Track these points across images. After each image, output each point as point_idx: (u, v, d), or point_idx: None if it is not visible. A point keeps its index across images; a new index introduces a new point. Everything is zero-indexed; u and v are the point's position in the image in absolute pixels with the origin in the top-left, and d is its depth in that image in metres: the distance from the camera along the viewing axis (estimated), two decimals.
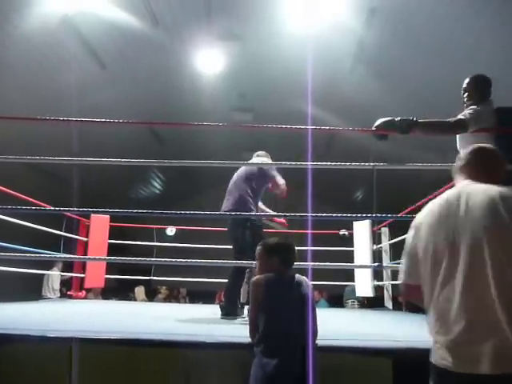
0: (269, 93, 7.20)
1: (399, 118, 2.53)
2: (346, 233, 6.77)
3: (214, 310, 3.34)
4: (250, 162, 3.54)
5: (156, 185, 11.36)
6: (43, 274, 6.42)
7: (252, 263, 2.87)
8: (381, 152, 3.58)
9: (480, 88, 2.70)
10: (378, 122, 2.59)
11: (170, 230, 10.86)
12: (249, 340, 1.83)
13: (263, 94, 7.33)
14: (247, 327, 1.84)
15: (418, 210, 1.49)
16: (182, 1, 5.45)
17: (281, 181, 3.43)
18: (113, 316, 3.33)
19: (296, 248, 2.02)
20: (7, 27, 5.05)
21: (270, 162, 3.54)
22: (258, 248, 2.00)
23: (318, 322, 1.85)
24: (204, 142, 7.50)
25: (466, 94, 2.74)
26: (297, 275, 1.91)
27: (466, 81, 2.78)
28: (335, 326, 3.01)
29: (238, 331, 1.93)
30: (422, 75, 5.79)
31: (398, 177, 6.94)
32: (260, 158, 3.58)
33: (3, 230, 4.03)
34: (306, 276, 1.92)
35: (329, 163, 2.78)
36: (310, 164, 2.82)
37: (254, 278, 1.90)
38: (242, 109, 7.71)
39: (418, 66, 5.68)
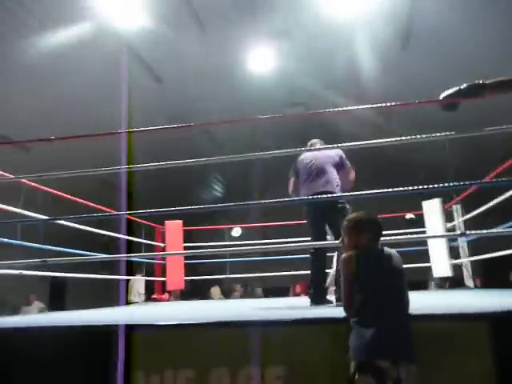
0: (319, 86, 7.23)
1: (465, 85, 2.50)
2: (413, 216, 6.64)
3: (295, 301, 3.38)
4: (321, 147, 3.50)
5: (217, 188, 11.70)
6: (128, 281, 6.87)
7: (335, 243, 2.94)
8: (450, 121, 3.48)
9: None
10: (444, 93, 2.57)
11: (236, 231, 11.16)
12: (344, 315, 1.91)
13: (314, 87, 7.37)
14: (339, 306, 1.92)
15: (499, 175, 1.50)
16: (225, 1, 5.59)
17: (353, 173, 3.51)
18: (211, 310, 3.50)
19: (379, 222, 2.02)
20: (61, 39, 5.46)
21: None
22: (346, 224, 2.06)
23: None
24: (259, 140, 7.65)
25: None
26: (385, 248, 1.96)
27: None
28: (424, 302, 3.00)
29: (332, 310, 2.02)
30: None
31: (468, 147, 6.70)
32: (337, 150, 3.53)
33: (84, 241, 4.39)
34: None
35: (399, 138, 2.74)
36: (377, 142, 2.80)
37: (346, 255, 1.97)
38: (293, 104, 7.80)
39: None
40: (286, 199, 3.50)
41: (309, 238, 3.42)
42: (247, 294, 8.34)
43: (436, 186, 2.81)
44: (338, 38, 5.82)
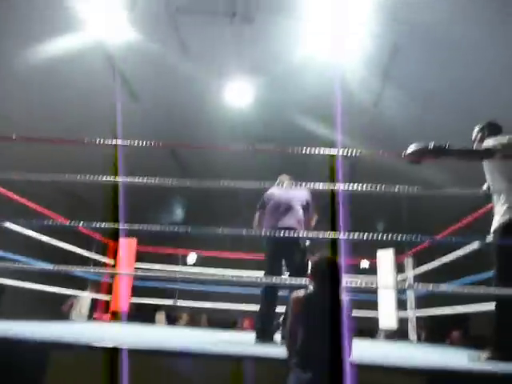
0: (294, 123, 7.40)
1: (432, 144, 2.62)
2: (366, 266, 6.77)
3: (241, 336, 3.29)
4: (291, 186, 3.57)
5: (179, 211, 11.56)
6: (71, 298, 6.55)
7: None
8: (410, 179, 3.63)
9: (494, 127, 2.92)
10: (410, 148, 2.69)
11: (191, 258, 10.94)
12: (285, 355, 1.88)
13: (287, 124, 7.53)
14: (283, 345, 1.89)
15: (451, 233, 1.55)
16: (212, 31, 5.70)
17: (314, 221, 3.59)
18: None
19: (339, 266, 2.01)
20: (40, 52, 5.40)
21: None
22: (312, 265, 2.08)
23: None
24: (227, 169, 7.69)
25: (479, 135, 2.92)
26: (337, 294, 1.96)
27: (476, 129, 3.04)
28: (367, 350, 3.01)
29: (274, 349, 1.99)
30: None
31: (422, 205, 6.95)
32: (290, 182, 3.61)
33: (35, 248, 4.19)
34: None
35: (359, 186, 2.82)
36: (340, 186, 2.87)
37: (295, 295, 1.97)
38: (266, 139, 7.92)
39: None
40: (251, 230, 3.52)
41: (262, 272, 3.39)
42: (193, 322, 8.11)
43: (390, 236, 2.91)
44: (318, 78, 6.00)
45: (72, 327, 3.84)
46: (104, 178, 2.87)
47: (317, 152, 2.93)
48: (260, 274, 3.68)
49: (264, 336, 2.97)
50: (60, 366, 1.89)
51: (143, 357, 1.94)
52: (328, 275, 1.99)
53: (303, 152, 2.92)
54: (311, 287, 2.01)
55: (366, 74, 5.80)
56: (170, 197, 10.70)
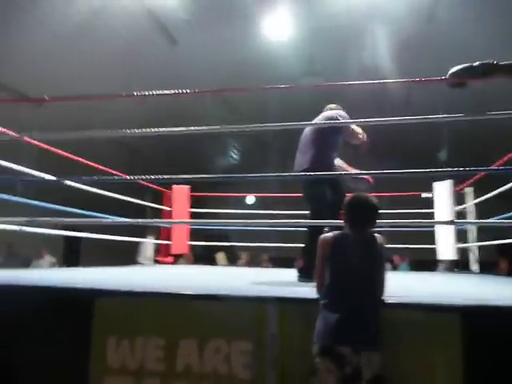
0: (339, 55, 6.97)
1: (478, 63, 2.36)
2: (429, 195, 6.46)
3: (292, 273, 3.37)
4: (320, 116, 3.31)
5: (234, 156, 11.67)
6: (137, 244, 7.03)
7: (331, 222, 2.86)
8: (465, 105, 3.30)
9: None
10: (453, 69, 2.44)
11: (250, 199, 11.16)
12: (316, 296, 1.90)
13: (333, 56, 7.12)
14: None
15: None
16: None
17: (358, 129, 3.18)
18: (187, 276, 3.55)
19: (373, 206, 1.92)
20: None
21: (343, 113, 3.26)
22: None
23: (392, 282, 1.84)
24: (276, 110, 7.52)
25: None
26: (371, 234, 1.90)
27: None
28: (409, 287, 2.96)
29: (311, 290, 2.00)
30: None
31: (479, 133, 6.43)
32: (331, 112, 3.30)
33: (95, 202, 4.45)
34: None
35: (397, 118, 2.63)
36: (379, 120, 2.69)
37: (322, 237, 1.94)
38: (312, 73, 7.57)
39: None
40: (286, 174, 3.46)
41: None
42: (253, 262, 8.44)
43: (448, 169, 2.73)
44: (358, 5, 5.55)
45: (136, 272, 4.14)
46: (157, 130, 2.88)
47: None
48: None
49: (308, 275, 2.98)
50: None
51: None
52: (361, 215, 1.93)
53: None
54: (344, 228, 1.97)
55: None
56: (225, 142, 10.80)
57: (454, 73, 2.44)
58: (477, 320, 1.77)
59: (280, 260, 8.40)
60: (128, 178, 3.17)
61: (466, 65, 2.41)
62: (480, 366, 1.74)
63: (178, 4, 5.84)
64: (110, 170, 4.56)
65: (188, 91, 2.93)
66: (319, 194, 3.06)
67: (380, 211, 1.93)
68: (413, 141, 8.08)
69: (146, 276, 3.59)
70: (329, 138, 3.17)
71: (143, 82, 6.13)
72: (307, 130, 3.29)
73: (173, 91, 2.95)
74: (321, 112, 3.41)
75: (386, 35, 5.75)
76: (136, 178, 2.88)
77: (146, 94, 2.95)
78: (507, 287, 3.07)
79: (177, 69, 6.64)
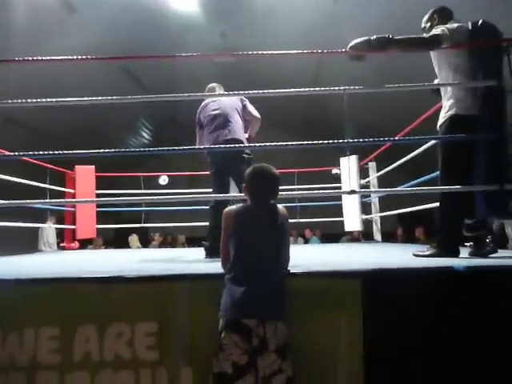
0: (250, 31, 6.92)
1: (375, 37, 2.44)
2: (339, 171, 6.75)
3: (190, 252, 3.32)
4: (224, 93, 3.31)
5: (144, 134, 11.19)
6: (37, 230, 6.49)
7: (235, 196, 2.84)
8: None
9: (445, 13, 2.67)
10: (352, 43, 2.50)
11: (163, 179, 10.81)
12: (222, 271, 1.85)
13: (245, 31, 7.03)
14: None
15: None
16: None
17: (258, 114, 3.30)
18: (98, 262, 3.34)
19: (274, 176, 1.88)
20: None
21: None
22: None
23: (299, 254, 1.85)
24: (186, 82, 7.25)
25: (429, 24, 2.71)
26: (274, 206, 1.88)
27: (425, 17, 2.81)
28: (313, 257, 3.05)
29: (217, 265, 1.95)
30: None
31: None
32: (222, 90, 3.40)
33: None
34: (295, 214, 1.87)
35: (296, 90, 2.64)
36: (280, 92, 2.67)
37: (225, 210, 1.89)
38: (224, 49, 7.44)
39: None
40: (196, 147, 3.37)
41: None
42: (168, 243, 8.26)
43: (351, 140, 2.82)
44: None
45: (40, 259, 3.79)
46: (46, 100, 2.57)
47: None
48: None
49: (213, 251, 2.96)
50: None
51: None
52: (261, 187, 1.89)
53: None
54: (246, 200, 1.93)
55: None
56: (134, 119, 10.29)
57: (353, 46, 2.51)
58: (374, 283, 1.85)
59: (198, 240, 8.30)
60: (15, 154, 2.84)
61: (364, 38, 2.48)
62: (377, 324, 1.82)
63: None
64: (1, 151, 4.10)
65: (82, 58, 2.66)
66: (239, 168, 3.02)
67: (280, 182, 1.92)
68: (323, 121, 8.35)
69: (39, 263, 3.29)
70: (242, 117, 3.26)
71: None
72: (224, 102, 3.26)
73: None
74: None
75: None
76: (20, 154, 2.58)
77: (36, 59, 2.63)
78: (400, 253, 3.30)
79: (74, 37, 6.10)
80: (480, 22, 2.48)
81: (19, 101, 2.51)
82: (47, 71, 5.63)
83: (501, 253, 2.64)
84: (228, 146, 2.99)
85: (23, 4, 5.52)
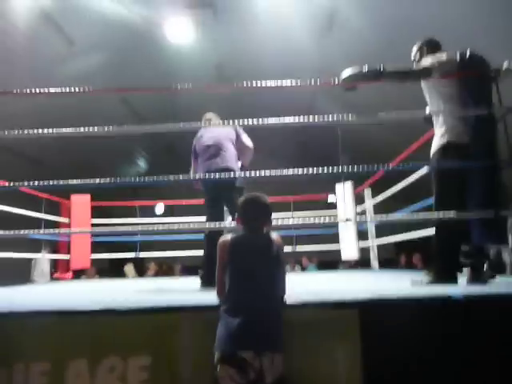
0: (246, 63, 7.04)
1: (366, 68, 2.50)
2: (334, 200, 6.75)
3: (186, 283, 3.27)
4: (217, 123, 3.40)
5: (141, 164, 11.25)
6: (30, 260, 6.39)
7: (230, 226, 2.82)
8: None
9: (432, 44, 2.77)
10: (345, 74, 2.55)
11: (159, 209, 10.75)
12: (217, 302, 1.82)
13: (240, 64, 7.16)
14: None
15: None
16: None
17: (251, 144, 3.35)
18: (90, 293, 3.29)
19: (265, 205, 1.88)
20: None
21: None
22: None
23: (296, 283, 1.83)
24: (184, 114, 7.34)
25: (418, 54, 2.79)
26: (266, 233, 1.86)
27: (414, 48, 2.89)
28: (310, 286, 3.01)
29: (206, 297, 1.92)
30: None
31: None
32: (218, 120, 3.46)
33: None
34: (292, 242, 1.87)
35: (289, 121, 2.66)
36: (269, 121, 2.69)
37: (221, 239, 1.88)
38: (221, 79, 7.56)
39: None
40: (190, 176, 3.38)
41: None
42: (162, 271, 8.14)
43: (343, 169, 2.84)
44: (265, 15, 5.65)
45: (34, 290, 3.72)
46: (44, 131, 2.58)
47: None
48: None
49: (209, 282, 2.92)
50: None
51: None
52: (254, 215, 1.89)
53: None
54: (239, 230, 1.92)
55: None
56: (131, 149, 10.34)
57: (346, 78, 2.55)
58: (372, 312, 1.82)
59: (194, 269, 8.20)
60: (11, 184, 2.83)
61: (355, 69, 2.53)
62: (376, 354, 1.78)
63: (74, 5, 5.48)
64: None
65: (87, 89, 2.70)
66: (232, 197, 3.06)
67: (272, 211, 1.91)
68: (318, 147, 8.42)
69: (31, 294, 3.23)
70: (236, 148, 3.31)
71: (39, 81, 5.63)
72: (219, 133, 3.31)
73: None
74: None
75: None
76: (17, 184, 2.58)
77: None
78: (398, 281, 3.27)
79: (74, 69, 6.19)
80: (468, 51, 2.55)
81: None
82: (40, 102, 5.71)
83: (499, 278, 2.62)
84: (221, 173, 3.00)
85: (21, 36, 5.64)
